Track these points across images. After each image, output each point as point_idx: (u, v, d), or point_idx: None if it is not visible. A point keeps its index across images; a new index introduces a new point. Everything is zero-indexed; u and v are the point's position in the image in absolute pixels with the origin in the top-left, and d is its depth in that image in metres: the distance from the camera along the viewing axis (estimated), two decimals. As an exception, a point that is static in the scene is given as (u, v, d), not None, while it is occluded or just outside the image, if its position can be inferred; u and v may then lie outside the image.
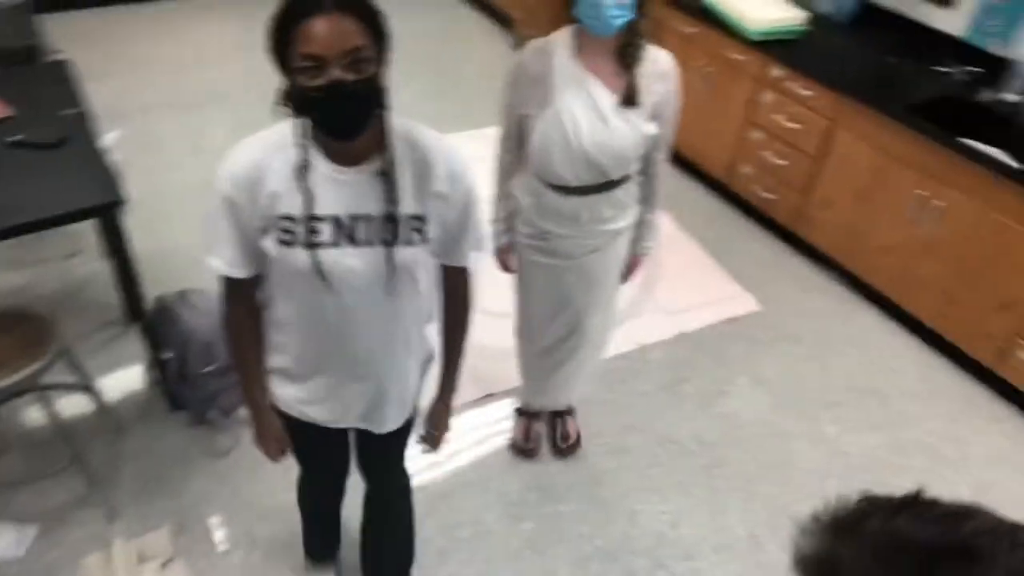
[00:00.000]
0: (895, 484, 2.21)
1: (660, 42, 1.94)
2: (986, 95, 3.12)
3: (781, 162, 3.57)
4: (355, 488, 1.99)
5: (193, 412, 2.64)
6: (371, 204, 1.37)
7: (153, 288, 2.63)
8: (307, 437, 1.71)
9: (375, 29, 1.25)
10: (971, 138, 2.91)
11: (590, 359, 2.49)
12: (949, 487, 2.69)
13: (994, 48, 3.23)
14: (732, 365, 3.08)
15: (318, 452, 1.82)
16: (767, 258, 3.66)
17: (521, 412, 2.74)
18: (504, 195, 2.15)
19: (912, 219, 3.07)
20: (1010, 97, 3.09)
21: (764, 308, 3.35)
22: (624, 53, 1.84)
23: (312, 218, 1.35)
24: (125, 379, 2.82)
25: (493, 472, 2.62)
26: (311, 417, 1.64)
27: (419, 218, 1.40)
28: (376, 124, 1.33)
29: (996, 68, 3.18)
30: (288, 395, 1.62)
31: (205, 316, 2.48)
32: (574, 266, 2.16)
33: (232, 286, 1.48)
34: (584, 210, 2.03)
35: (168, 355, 2.53)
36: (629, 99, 1.86)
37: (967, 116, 3.09)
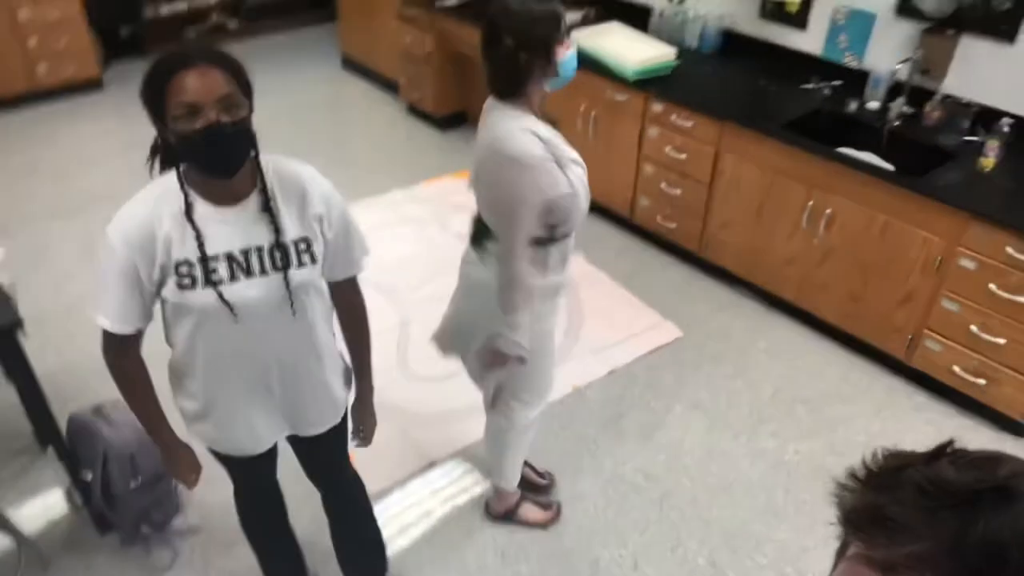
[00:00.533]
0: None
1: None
2: (851, 105, 3.35)
3: (676, 191, 3.71)
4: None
5: (124, 532, 2.48)
6: (259, 236, 1.49)
7: (65, 407, 2.48)
8: (234, 463, 1.81)
9: (240, 79, 1.41)
10: (846, 146, 3.12)
11: None
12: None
13: (850, 62, 3.48)
14: (665, 394, 3.14)
15: (247, 473, 1.90)
16: (680, 284, 3.77)
17: (532, 488, 2.68)
18: (528, 307, 1.97)
19: (806, 228, 3.23)
20: (872, 105, 3.32)
21: (685, 333, 3.44)
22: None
23: (207, 258, 1.45)
24: (45, 508, 2.63)
25: (449, 542, 2.56)
26: (234, 450, 1.74)
27: (305, 240, 1.54)
28: (249, 164, 1.46)
29: (855, 80, 3.42)
30: (206, 433, 1.70)
31: (124, 428, 2.34)
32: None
33: (119, 341, 1.53)
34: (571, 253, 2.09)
35: (89, 476, 2.38)
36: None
37: (838, 127, 3.31)
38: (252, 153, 1.47)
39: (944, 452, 0.58)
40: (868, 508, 0.57)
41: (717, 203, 3.57)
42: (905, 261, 2.95)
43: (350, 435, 1.96)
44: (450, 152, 4.97)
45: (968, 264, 2.75)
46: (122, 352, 1.56)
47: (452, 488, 2.74)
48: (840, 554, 0.62)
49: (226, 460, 1.82)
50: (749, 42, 3.86)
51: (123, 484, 2.35)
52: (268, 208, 1.49)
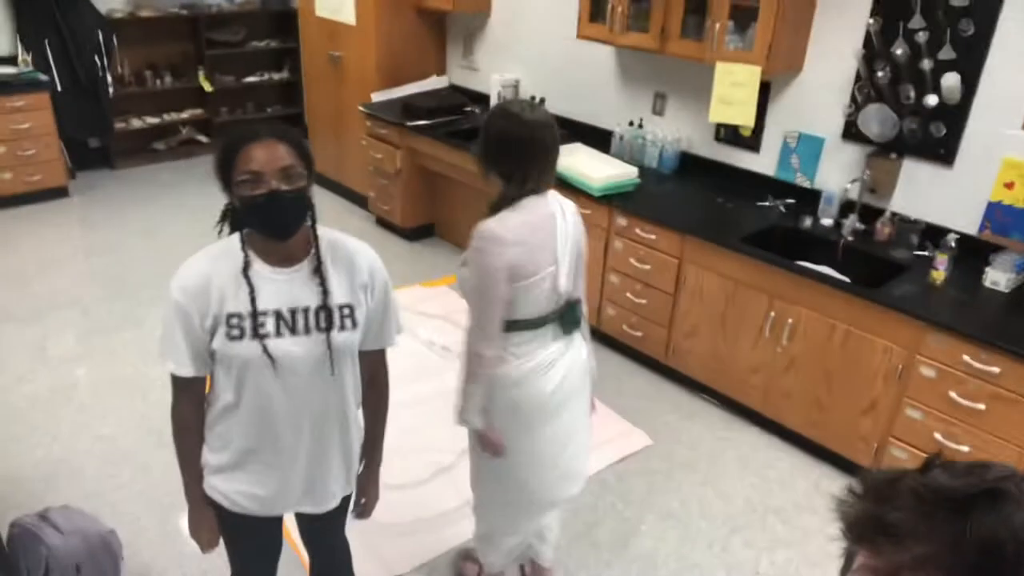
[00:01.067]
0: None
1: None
2: (806, 222, 3.52)
3: (642, 300, 3.79)
4: None
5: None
6: (307, 298, 1.62)
7: (9, 514, 2.33)
8: (245, 527, 1.83)
9: (301, 154, 1.56)
10: (803, 259, 3.26)
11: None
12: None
13: (801, 182, 3.69)
14: (637, 502, 3.08)
15: (254, 541, 1.93)
16: (647, 391, 3.79)
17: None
18: (474, 377, 2.04)
19: (769, 338, 3.32)
20: (826, 221, 3.50)
21: (655, 441, 3.43)
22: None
23: (257, 313, 1.57)
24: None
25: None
26: (251, 509, 1.76)
27: (349, 307, 1.66)
28: (305, 231, 1.61)
29: (808, 198, 3.62)
30: (230, 489, 1.74)
31: (71, 536, 2.20)
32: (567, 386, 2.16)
33: (183, 385, 1.66)
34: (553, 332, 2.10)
35: (26, 591, 2.21)
36: None
37: (795, 241, 3.46)
38: (308, 220, 1.61)
39: (935, 463, 0.61)
40: (870, 518, 0.59)
41: (681, 312, 3.65)
42: (868, 370, 3.03)
43: (351, 506, 2.00)
44: (417, 262, 5.03)
45: (928, 372, 2.84)
46: (185, 398, 1.68)
47: (418, 603, 2.60)
48: (845, 569, 0.64)
49: (236, 521, 1.81)
50: (706, 163, 4.08)
51: (66, 598, 2.19)
52: (319, 272, 1.63)
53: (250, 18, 6.75)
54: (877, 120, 3.29)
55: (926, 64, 3.07)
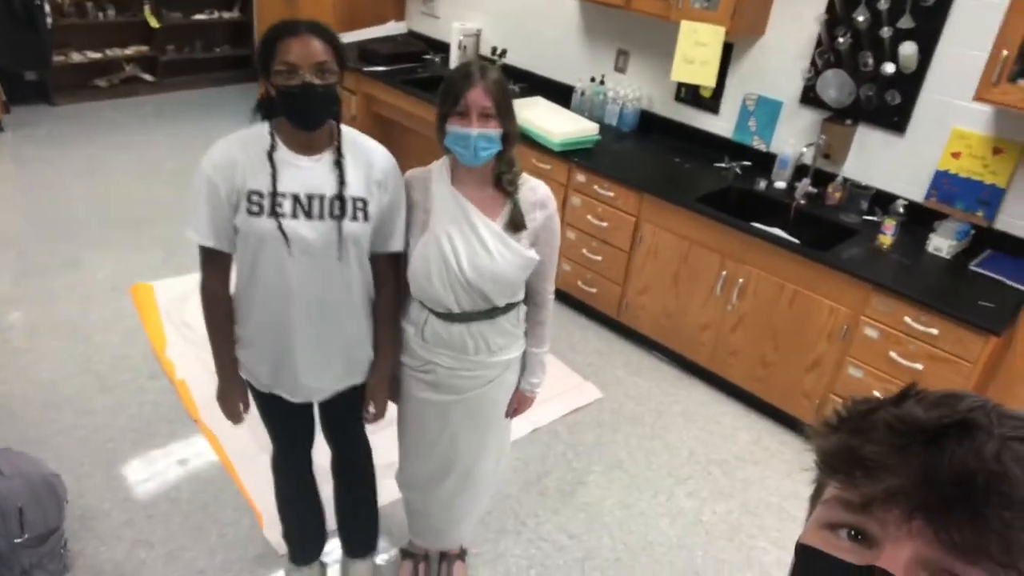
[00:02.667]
0: (754, 545, 2.35)
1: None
2: (760, 184, 3.57)
3: (597, 257, 3.82)
4: None
5: (1, 596, 2.23)
6: (324, 186, 1.74)
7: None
8: (274, 407, 2.01)
9: (337, 51, 1.69)
10: (756, 221, 3.31)
11: (483, 497, 2.33)
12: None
13: (758, 145, 3.74)
14: (586, 454, 3.14)
15: (284, 421, 2.07)
16: (599, 347, 3.84)
17: (406, 553, 2.55)
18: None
19: (720, 296, 3.38)
20: (779, 184, 3.56)
21: (605, 394, 3.48)
22: (501, 181, 1.86)
23: (276, 193, 1.71)
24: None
25: (365, 606, 2.43)
26: (264, 384, 1.94)
27: (363, 200, 1.78)
28: (329, 124, 1.75)
29: (763, 161, 3.67)
30: (253, 363, 1.92)
31: (14, 479, 2.14)
32: (461, 402, 2.03)
33: (208, 258, 1.80)
34: (469, 338, 1.93)
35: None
36: (514, 224, 1.85)
37: (749, 203, 3.51)
38: (334, 114, 1.74)
39: (909, 394, 0.61)
40: (843, 450, 0.59)
41: (636, 270, 3.69)
42: (813, 329, 3.12)
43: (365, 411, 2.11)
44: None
45: (871, 332, 2.93)
46: (213, 272, 1.82)
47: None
48: (815, 499, 0.65)
49: (263, 402, 2.01)
50: (665, 122, 4.09)
51: (7, 539, 2.13)
52: (339, 163, 1.75)
53: (199, -48, 6.45)
54: (835, 86, 3.34)
55: (885, 32, 3.11)
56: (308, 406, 2.05)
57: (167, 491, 2.76)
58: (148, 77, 6.50)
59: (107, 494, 2.71)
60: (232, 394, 1.98)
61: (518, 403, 2.15)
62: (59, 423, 2.99)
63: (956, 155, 3.12)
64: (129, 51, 6.33)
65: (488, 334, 1.94)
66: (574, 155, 3.77)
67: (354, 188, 1.77)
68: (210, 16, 6.64)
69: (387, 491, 2.47)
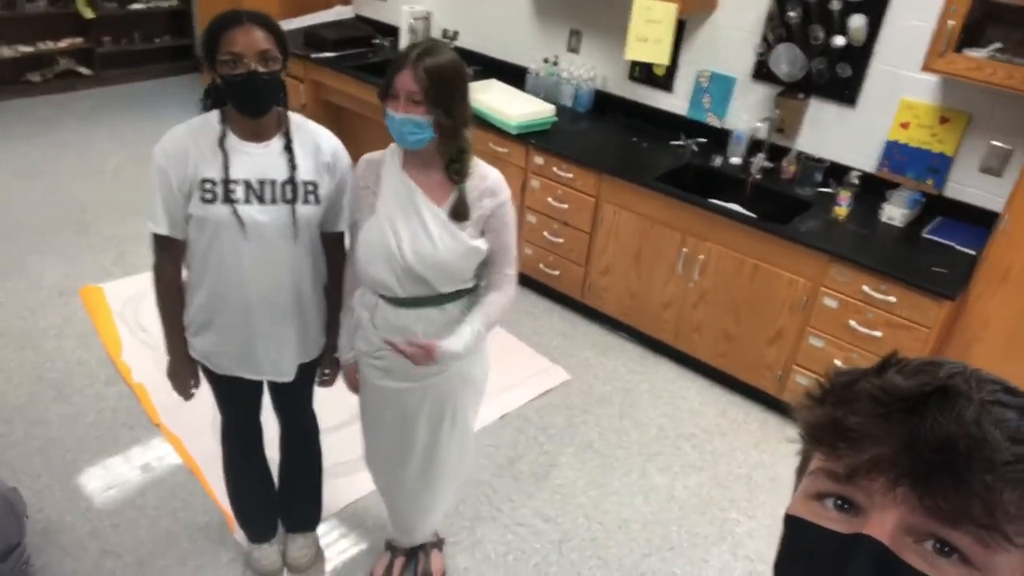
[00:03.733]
0: (726, 517, 2.38)
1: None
2: (716, 160, 3.60)
3: (559, 240, 3.81)
4: None
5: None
6: (275, 171, 1.81)
7: None
8: (228, 387, 2.08)
9: (279, 39, 1.75)
10: (714, 197, 3.34)
11: (446, 489, 2.28)
12: (771, 509, 2.95)
13: (712, 122, 3.76)
14: (557, 436, 3.15)
15: (239, 396, 2.13)
16: (564, 329, 3.85)
17: (388, 546, 2.52)
18: (347, 308, 2.03)
19: (681, 274, 3.41)
20: (735, 160, 3.59)
21: (573, 376, 3.50)
22: (450, 168, 1.82)
23: (229, 181, 1.76)
24: None
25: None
26: (221, 367, 1.99)
27: (313, 183, 1.85)
28: (276, 111, 1.80)
29: (718, 137, 3.70)
30: (206, 347, 1.97)
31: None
32: (418, 389, 1.99)
33: (163, 246, 1.85)
34: (419, 324, 1.89)
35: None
36: (457, 213, 1.82)
37: (706, 180, 3.54)
38: (280, 100, 1.80)
39: (890, 363, 0.62)
40: (827, 421, 0.60)
41: (597, 251, 3.70)
42: (774, 302, 3.16)
43: (316, 378, 2.21)
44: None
45: (830, 303, 2.99)
46: (166, 258, 1.87)
47: (342, 543, 2.60)
48: (801, 471, 0.66)
49: (217, 381, 2.06)
50: (620, 102, 4.09)
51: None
52: (288, 148, 1.82)
53: (132, -62, 6.21)
54: (787, 60, 3.37)
55: (835, 5, 3.14)
56: (252, 385, 2.12)
57: (132, 498, 2.68)
58: (85, 71, 6.26)
59: (68, 505, 2.63)
60: (183, 371, 2.03)
61: (425, 347, 1.81)
62: (12, 436, 2.88)
63: (905, 125, 3.18)
64: (63, 44, 6.08)
65: (436, 320, 1.90)
66: (531, 137, 3.75)
67: (304, 172, 1.83)
68: (147, 5, 6.41)
69: (363, 484, 2.45)
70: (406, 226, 1.81)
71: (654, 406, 3.38)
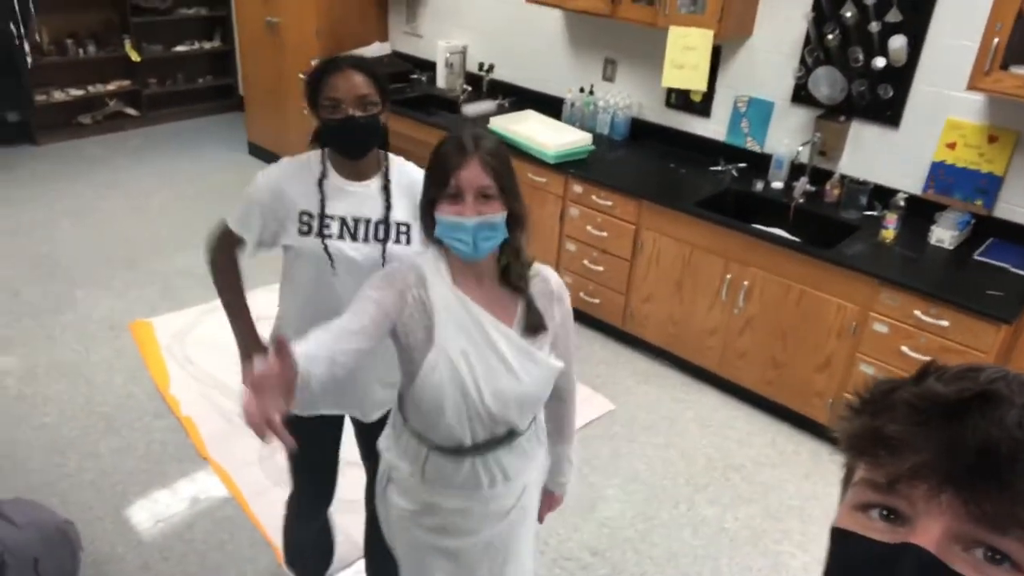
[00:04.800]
0: (779, 550, 2.30)
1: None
2: (757, 185, 3.57)
3: (599, 268, 3.80)
4: None
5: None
6: (371, 211, 1.84)
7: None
8: (304, 424, 1.79)
9: (379, 84, 1.80)
10: (755, 222, 3.30)
11: None
12: (825, 541, 2.84)
13: (751, 146, 3.74)
14: (602, 467, 3.11)
15: (315, 435, 2.02)
16: (606, 358, 3.82)
17: None
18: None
19: (725, 300, 3.37)
20: (777, 184, 3.56)
21: (616, 405, 3.46)
22: (509, 275, 1.54)
23: (324, 216, 1.81)
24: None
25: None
26: (306, 405, 1.88)
27: (407, 224, 1.86)
28: (375, 152, 1.86)
29: (759, 162, 3.67)
30: (318, 400, 1.90)
31: (28, 529, 2.09)
32: (479, 543, 1.66)
33: (226, 239, 1.91)
34: (484, 472, 1.57)
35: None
36: (532, 328, 1.53)
37: (747, 205, 3.51)
38: (379, 143, 1.84)
39: (929, 371, 0.61)
40: (867, 431, 0.60)
41: (638, 278, 3.67)
42: (822, 328, 3.10)
43: None
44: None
45: (881, 328, 2.92)
46: (223, 248, 1.93)
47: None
48: (846, 483, 0.65)
49: (298, 423, 1.86)
50: (657, 129, 4.09)
51: (23, 593, 2.08)
52: (385, 189, 1.86)
53: (176, -16, 6.43)
54: (826, 83, 3.35)
55: (874, 26, 3.12)
56: (338, 443, 2.10)
57: (181, 532, 2.70)
58: (132, 111, 6.46)
59: (119, 538, 2.65)
60: (250, 351, 2.01)
61: (548, 505, 1.86)
62: (65, 468, 2.93)
63: (951, 146, 3.12)
64: (111, 86, 6.29)
65: (505, 460, 1.58)
66: (569, 167, 3.76)
67: (399, 213, 1.85)
68: (191, 47, 6.62)
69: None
70: (480, 360, 1.48)
71: (701, 435, 3.32)
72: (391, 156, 1.91)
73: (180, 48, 6.56)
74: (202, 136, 6.39)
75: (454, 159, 1.44)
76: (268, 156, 5.81)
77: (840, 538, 0.61)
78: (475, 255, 1.46)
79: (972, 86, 2.78)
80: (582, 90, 4.29)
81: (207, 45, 6.71)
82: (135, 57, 6.22)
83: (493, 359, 1.49)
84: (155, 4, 6.31)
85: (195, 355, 3.55)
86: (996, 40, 2.66)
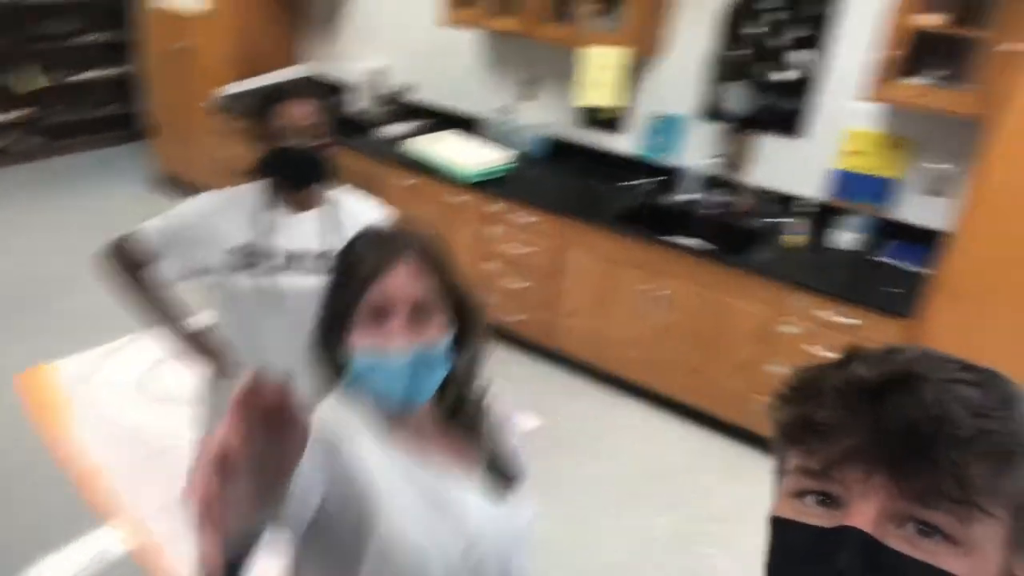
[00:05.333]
0: (707, 553, 2.32)
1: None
2: (672, 198, 3.66)
3: (521, 285, 3.81)
4: None
5: None
6: (313, 242, 1.81)
7: None
8: None
9: (328, 114, 1.78)
10: (671, 234, 3.37)
11: None
12: (749, 541, 2.88)
13: (665, 161, 3.83)
14: (530, 483, 3.07)
15: None
16: (531, 375, 3.81)
17: None
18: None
19: (645, 311, 3.42)
20: (689, 197, 3.65)
21: (544, 421, 3.45)
22: (461, 409, 1.18)
23: (265, 248, 1.77)
24: None
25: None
26: None
27: None
28: (319, 185, 1.82)
29: (672, 176, 3.76)
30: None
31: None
32: None
33: (132, 254, 1.81)
34: None
35: None
36: (502, 476, 1.21)
37: (663, 217, 3.58)
38: (323, 174, 1.81)
39: (852, 356, 0.64)
40: (799, 419, 0.62)
41: (561, 294, 3.70)
42: (737, 333, 3.18)
43: None
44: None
45: (792, 330, 3.02)
46: (128, 265, 1.84)
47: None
48: (780, 472, 0.67)
49: None
50: (576, 147, 4.15)
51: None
52: (327, 221, 1.82)
53: (76, 10, 6.20)
54: (735, 97, 3.48)
55: (781, 42, 3.27)
56: None
57: None
58: (28, 143, 6.16)
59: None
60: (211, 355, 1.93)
61: None
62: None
63: (853, 153, 3.28)
64: (11, 116, 6.00)
65: None
66: (488, 185, 3.78)
67: (340, 245, 1.69)
68: (92, 74, 6.37)
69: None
70: (445, 526, 1.09)
71: (626, 446, 3.34)
72: (338, 188, 1.89)
73: (81, 75, 6.30)
74: (104, 168, 6.12)
75: (374, 262, 1.05)
76: (179, 186, 5.64)
77: (779, 527, 0.62)
78: (412, 401, 1.06)
79: (871, 97, 2.93)
80: (501, 109, 4.33)
81: (110, 71, 6.47)
82: (32, 86, 5.95)
83: (456, 526, 1.10)
84: (54, 30, 6.07)
85: (99, 400, 3.36)
86: (892, 53, 2.80)
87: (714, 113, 3.58)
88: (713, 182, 3.59)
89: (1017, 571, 0.58)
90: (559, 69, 4.03)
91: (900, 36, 2.78)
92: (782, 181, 3.49)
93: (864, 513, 0.56)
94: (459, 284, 1.13)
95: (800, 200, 3.35)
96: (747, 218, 3.47)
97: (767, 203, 3.44)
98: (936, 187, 3.13)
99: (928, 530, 0.56)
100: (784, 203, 3.43)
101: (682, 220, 3.56)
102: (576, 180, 3.92)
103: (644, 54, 3.67)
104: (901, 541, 0.56)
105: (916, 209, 3.21)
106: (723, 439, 3.39)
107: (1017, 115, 2.45)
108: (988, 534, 0.56)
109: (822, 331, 2.95)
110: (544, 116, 4.19)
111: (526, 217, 3.67)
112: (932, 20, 2.70)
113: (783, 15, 3.23)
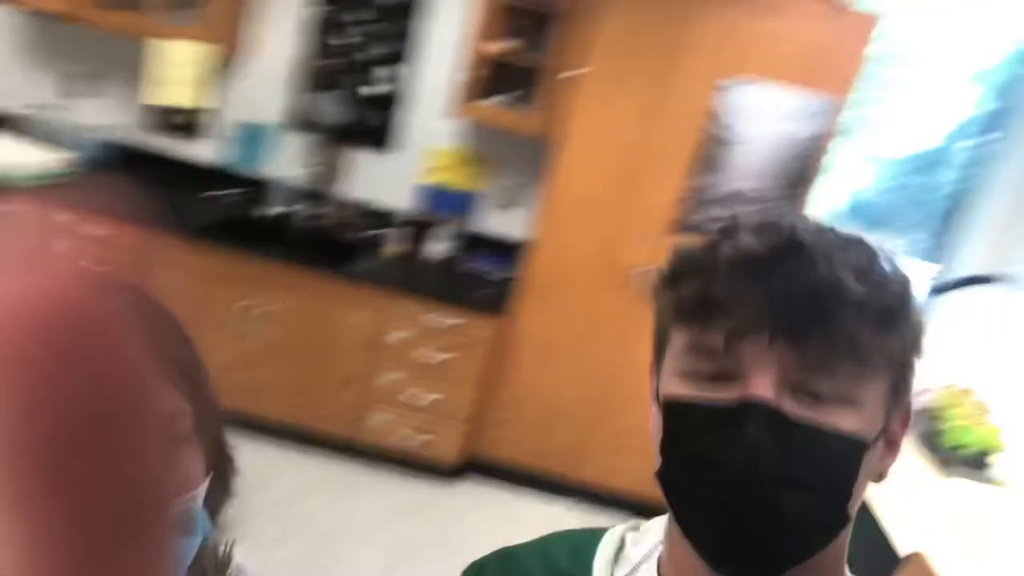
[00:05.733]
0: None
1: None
2: (259, 211, 3.47)
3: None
4: None
5: None
6: None
7: None
8: None
9: None
10: (262, 248, 3.16)
11: None
12: (368, 556, 2.84)
13: (250, 171, 3.60)
14: None
15: None
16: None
17: None
18: None
19: (242, 331, 3.17)
20: (279, 209, 3.50)
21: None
22: None
23: None
24: None
25: None
26: None
27: None
28: None
29: (258, 188, 3.56)
30: None
31: None
32: None
33: None
34: None
35: None
36: None
37: (251, 230, 3.35)
38: None
39: (732, 227, 0.62)
40: (694, 295, 0.60)
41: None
42: (342, 345, 3.13)
43: None
44: None
45: (398, 335, 3.08)
46: None
47: None
48: (659, 355, 0.65)
49: None
50: (141, 153, 3.67)
51: None
52: None
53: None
54: (327, 108, 3.44)
55: (370, 55, 3.32)
56: None
57: None
58: None
59: None
60: None
61: None
62: None
63: (439, 169, 3.49)
64: None
65: None
66: (46, 192, 3.13)
67: None
68: None
69: None
70: None
71: (260, 488, 3.04)
72: None
73: None
74: None
75: None
76: None
77: (677, 407, 0.61)
78: None
79: (452, 114, 3.14)
80: (49, 106, 3.63)
81: None
82: None
83: None
84: None
85: None
86: (470, 76, 3.05)
87: (305, 123, 3.50)
88: (307, 194, 3.50)
89: (893, 423, 0.61)
90: (123, 62, 3.54)
91: (478, 59, 3.05)
92: (376, 194, 3.55)
93: (764, 384, 0.56)
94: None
95: (395, 213, 3.45)
96: (344, 230, 3.46)
97: (363, 216, 3.47)
98: (511, 199, 3.50)
99: (825, 393, 0.57)
100: (380, 216, 3.50)
101: (277, 233, 3.40)
102: (151, 189, 3.45)
103: (228, 54, 3.42)
104: (801, 407, 0.56)
105: (496, 220, 3.54)
106: (335, 456, 3.30)
107: (578, 134, 2.86)
108: (875, 391, 0.58)
109: (429, 334, 3.06)
110: (109, 116, 3.64)
111: (98, 229, 3.11)
112: (502, 47, 3.01)
113: (372, 28, 3.31)
